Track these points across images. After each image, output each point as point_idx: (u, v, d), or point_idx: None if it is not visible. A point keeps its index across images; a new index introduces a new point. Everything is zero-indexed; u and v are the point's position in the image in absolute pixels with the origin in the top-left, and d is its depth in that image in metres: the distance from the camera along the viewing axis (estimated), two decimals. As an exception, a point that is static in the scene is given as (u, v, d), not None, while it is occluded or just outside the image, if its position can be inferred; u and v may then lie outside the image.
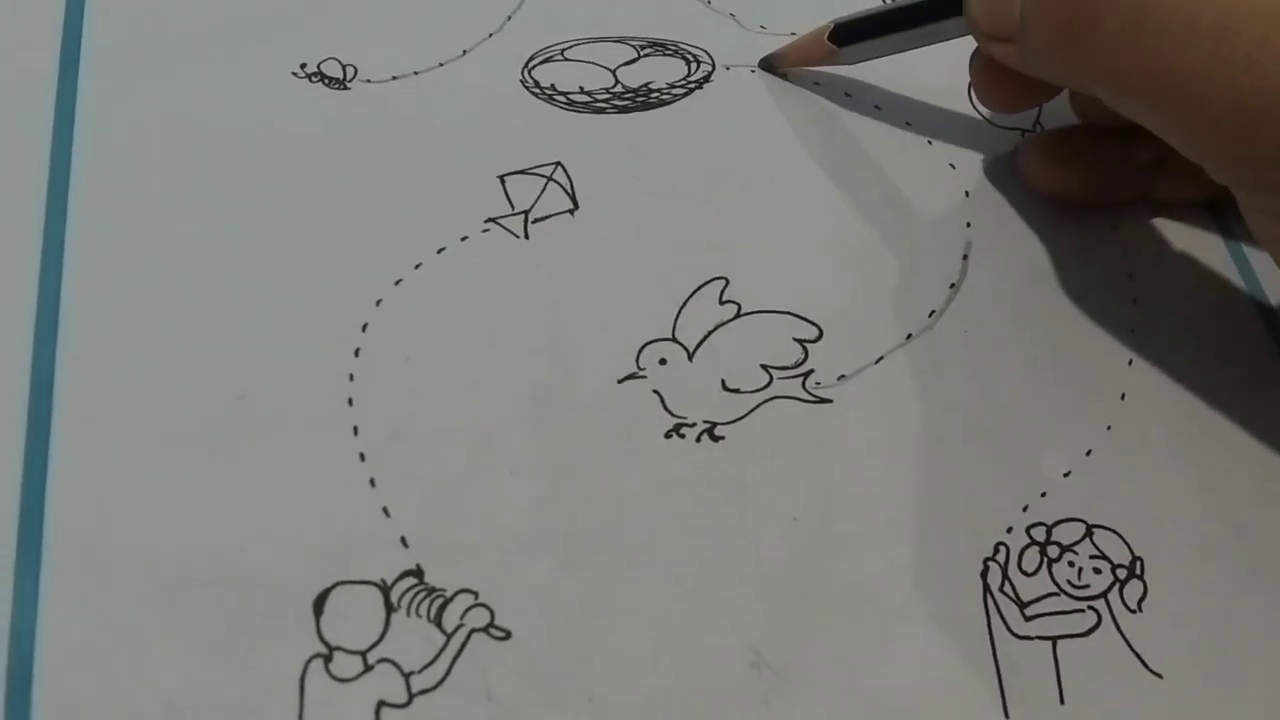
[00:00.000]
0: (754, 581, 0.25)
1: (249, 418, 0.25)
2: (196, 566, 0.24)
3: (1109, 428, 0.28)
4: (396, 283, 0.28)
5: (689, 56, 0.33)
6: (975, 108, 0.33)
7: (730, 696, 0.24)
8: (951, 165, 0.31)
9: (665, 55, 0.32)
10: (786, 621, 0.25)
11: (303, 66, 0.31)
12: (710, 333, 0.28)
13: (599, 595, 0.24)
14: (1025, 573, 0.26)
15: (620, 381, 0.27)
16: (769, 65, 0.32)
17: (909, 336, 0.29)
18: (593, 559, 0.25)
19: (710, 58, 0.33)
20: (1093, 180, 0.31)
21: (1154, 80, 0.23)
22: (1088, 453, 0.28)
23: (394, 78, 0.31)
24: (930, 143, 0.32)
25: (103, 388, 0.25)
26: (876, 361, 0.28)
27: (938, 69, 0.33)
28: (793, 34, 0.33)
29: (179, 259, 0.27)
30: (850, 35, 0.31)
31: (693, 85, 0.32)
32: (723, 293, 0.29)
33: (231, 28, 0.31)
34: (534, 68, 0.32)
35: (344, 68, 0.31)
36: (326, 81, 0.31)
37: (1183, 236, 0.31)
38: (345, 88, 0.31)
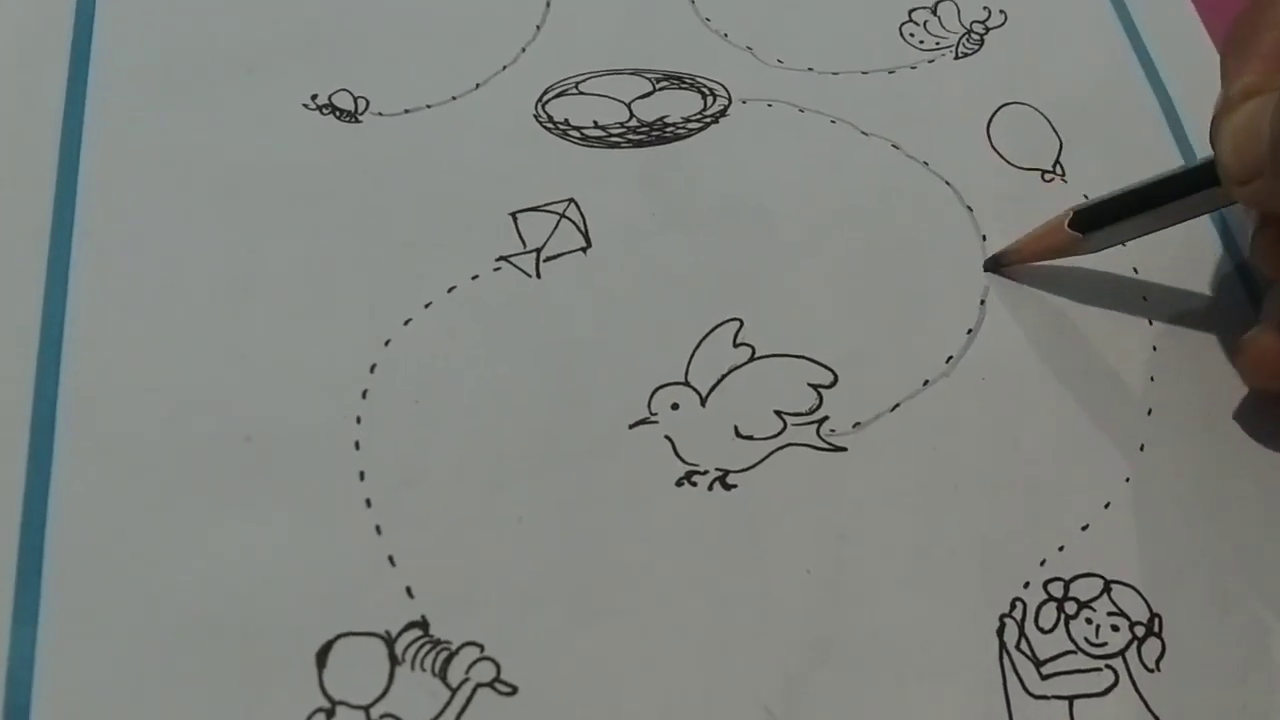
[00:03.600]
0: (766, 636, 0.25)
1: (255, 461, 0.25)
2: (197, 614, 0.23)
3: (1127, 480, 0.27)
4: (406, 322, 0.27)
5: (705, 90, 0.32)
6: (994, 148, 0.32)
7: (742, 756, 0.23)
8: (969, 207, 0.31)
9: (681, 88, 0.32)
10: (800, 678, 0.24)
11: (314, 98, 0.30)
12: (724, 376, 0.28)
13: (608, 650, 0.24)
14: (1042, 630, 0.25)
15: (632, 427, 0.27)
16: (996, 265, 0.30)
17: (926, 383, 0.28)
18: (602, 611, 0.24)
19: (727, 92, 0.32)
20: None
21: None
22: (1106, 505, 0.27)
23: (406, 111, 0.30)
24: (947, 183, 0.31)
25: (105, 428, 0.25)
26: (893, 409, 0.28)
27: (956, 103, 0.33)
28: (810, 69, 0.33)
29: (185, 296, 0.27)
30: (1092, 221, 0.28)
31: (709, 119, 0.32)
32: (737, 335, 0.28)
33: (241, 58, 0.31)
34: (548, 102, 0.31)
35: (355, 100, 0.30)
36: (338, 114, 0.30)
37: (1203, 281, 0.31)
38: (357, 120, 0.30)
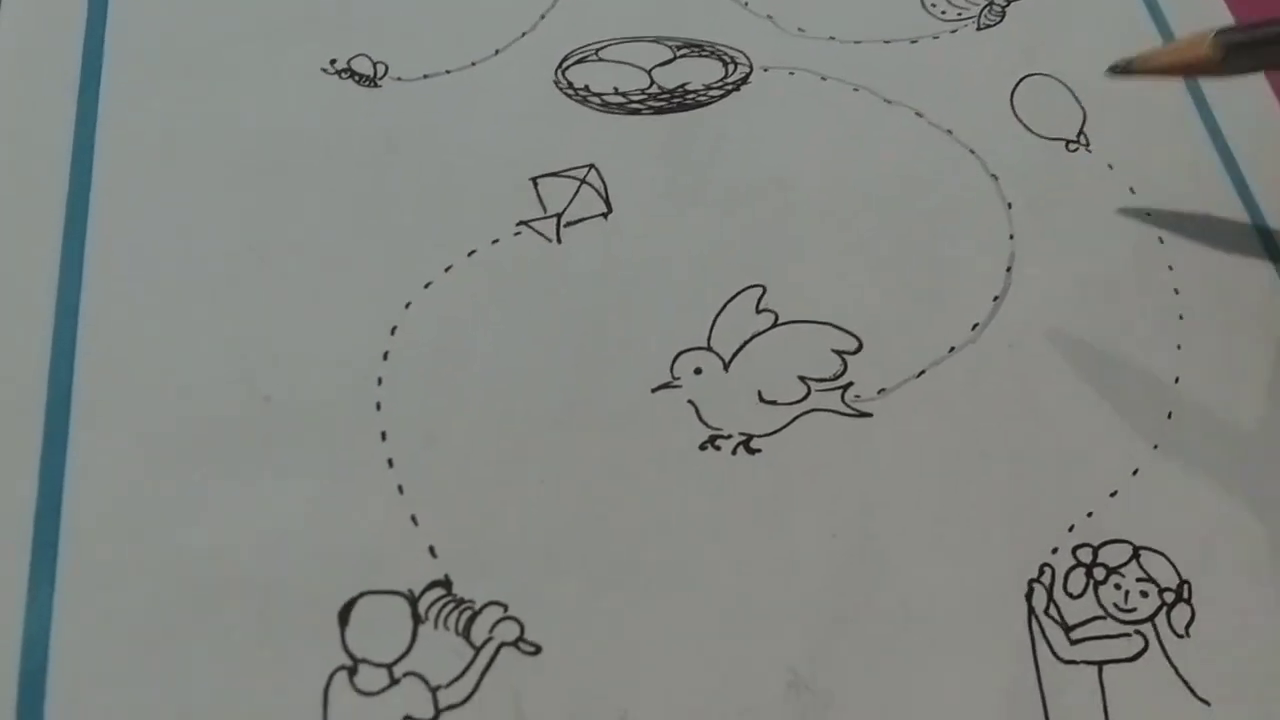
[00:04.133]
0: (791, 600, 0.24)
1: (275, 421, 0.25)
2: (217, 574, 0.23)
3: (1155, 447, 0.27)
4: (426, 285, 0.27)
5: (726, 58, 0.32)
6: (1018, 117, 0.32)
7: (767, 717, 0.23)
8: (994, 175, 0.31)
9: (702, 56, 0.32)
10: (825, 641, 0.24)
11: (332, 63, 0.30)
12: (746, 342, 0.27)
13: (632, 611, 0.24)
14: (1071, 595, 0.25)
15: (654, 391, 0.26)
16: (1125, 70, 0.29)
17: (951, 349, 0.28)
18: (625, 573, 0.24)
19: (748, 60, 0.32)
20: None
21: None
22: (1134, 472, 0.27)
23: (425, 76, 0.30)
24: (972, 151, 0.31)
25: (123, 391, 0.25)
26: (918, 375, 0.27)
27: (979, 73, 0.32)
28: (831, 38, 0.32)
29: (204, 260, 0.27)
30: (1236, 44, 0.28)
31: (730, 87, 0.31)
32: (760, 301, 0.28)
33: (260, 25, 0.30)
34: (568, 68, 0.31)
35: (374, 65, 0.30)
36: (356, 79, 0.30)
37: (1228, 251, 0.30)
38: (376, 85, 0.30)
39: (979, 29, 0.34)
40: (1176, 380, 0.28)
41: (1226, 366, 0.29)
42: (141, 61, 0.29)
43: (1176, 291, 0.30)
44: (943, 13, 0.34)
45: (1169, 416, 0.28)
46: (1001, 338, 0.28)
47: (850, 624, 0.24)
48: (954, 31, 0.33)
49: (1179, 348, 0.29)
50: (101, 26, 0.30)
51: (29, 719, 0.21)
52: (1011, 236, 0.30)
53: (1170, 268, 0.30)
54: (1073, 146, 0.32)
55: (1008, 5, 0.34)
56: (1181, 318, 0.29)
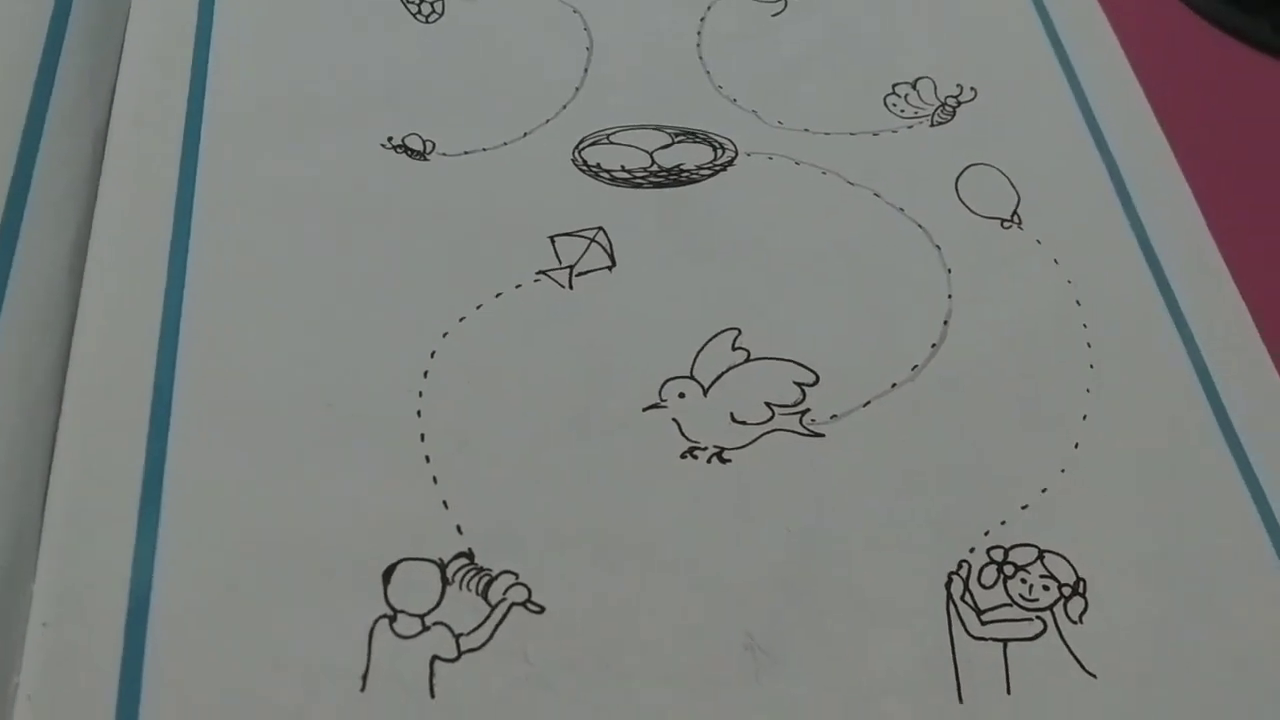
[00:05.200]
0: (752, 579, 0.30)
1: (335, 422, 0.30)
2: (287, 538, 0.29)
3: (1063, 470, 0.33)
4: (460, 319, 0.33)
5: (716, 144, 0.38)
6: (961, 199, 0.38)
7: (727, 671, 0.28)
8: (938, 246, 0.37)
9: (695, 142, 0.38)
10: (778, 613, 0.29)
11: (389, 139, 0.36)
12: (723, 373, 0.33)
13: (622, 581, 0.29)
14: (984, 586, 0.30)
15: (645, 410, 0.32)
16: None
17: (894, 385, 0.33)
18: (616, 551, 0.29)
19: (734, 146, 0.38)
20: None
21: None
22: (1044, 490, 0.32)
23: (466, 152, 0.36)
24: (920, 225, 0.37)
25: (217, 396, 0.30)
26: (865, 405, 0.33)
27: (929, 162, 0.38)
28: (806, 129, 0.39)
29: (282, 294, 0.33)
30: None
31: (718, 168, 0.37)
32: (735, 340, 0.34)
33: (330, 105, 0.37)
34: (583, 149, 0.37)
35: (424, 142, 0.36)
36: (409, 153, 0.36)
37: (1135, 312, 0.36)
38: (425, 159, 0.36)
39: (932, 125, 0.40)
40: (1084, 417, 0.34)
41: (1128, 407, 0.34)
42: (234, 135, 0.36)
43: (1089, 345, 0.35)
44: (901, 111, 0.40)
45: (1075, 446, 0.33)
46: (936, 378, 0.34)
47: (799, 600, 0.29)
48: (910, 127, 0.39)
49: (1088, 391, 0.34)
50: (201, 101, 0.36)
51: (134, 649, 0.27)
52: (950, 296, 0.36)
53: (1084, 325, 0.36)
54: (1007, 224, 0.38)
55: (958, 106, 0.40)
56: (1092, 366, 0.35)
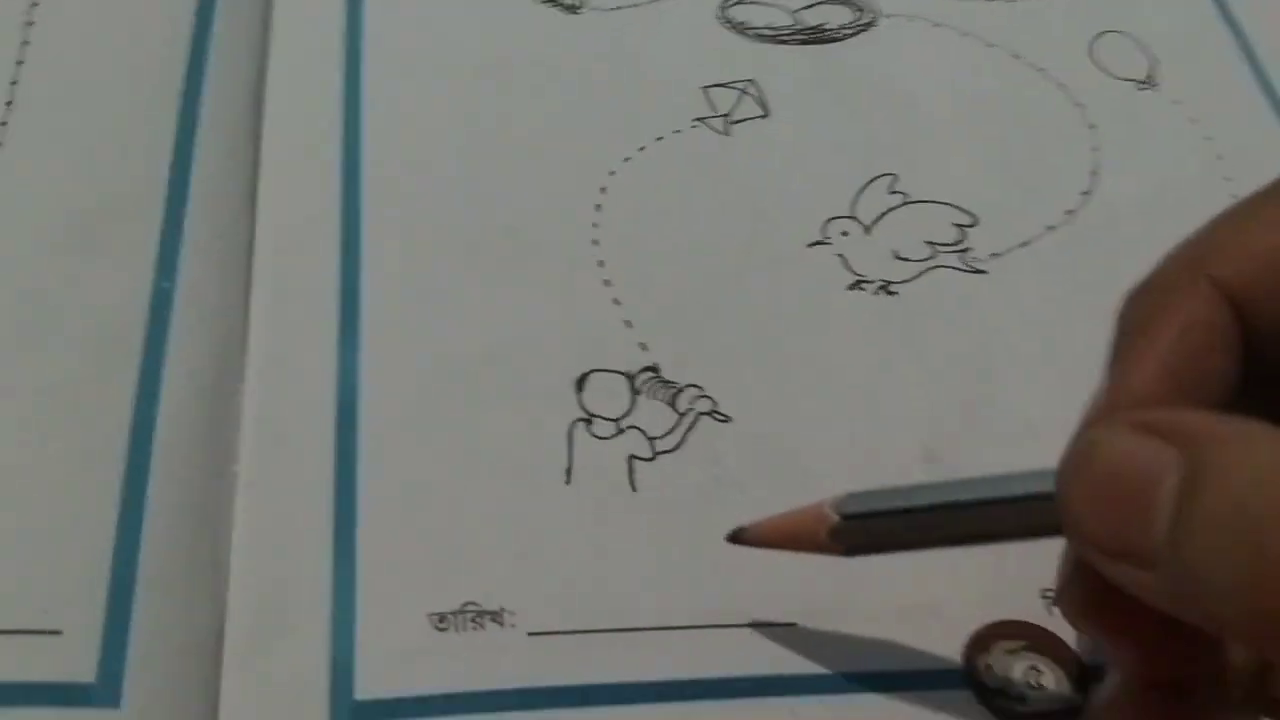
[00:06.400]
0: (925, 401, 0.30)
1: (516, 244, 0.31)
2: (482, 350, 0.29)
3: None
4: (625, 160, 0.34)
5: (855, 5, 0.39)
6: (1097, 63, 0.38)
7: (911, 477, 0.29)
8: (1079, 104, 0.37)
9: (837, 3, 0.39)
10: (954, 434, 0.30)
11: (543, -7, 0.37)
12: (883, 214, 0.34)
13: (801, 400, 0.30)
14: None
15: (809, 246, 0.33)
16: (735, 539, 0.25)
17: (1049, 228, 0.34)
18: (797, 374, 0.30)
19: (875, 8, 0.39)
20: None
21: None
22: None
23: (617, 8, 0.37)
24: (1062, 85, 0.38)
25: (407, 215, 0.31)
26: (1023, 245, 0.34)
27: (1069, 29, 0.39)
28: (943, -6, 0.39)
29: (455, 133, 0.33)
30: (860, 533, 0.23)
31: (859, 28, 0.38)
32: (892, 185, 0.34)
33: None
34: (729, 6, 0.38)
35: (577, -4, 0.37)
36: (562, 7, 0.37)
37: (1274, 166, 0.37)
38: (577, 12, 0.37)
39: (1064, -7, 0.40)
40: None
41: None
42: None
43: (1233, 197, 0.36)
44: (1034, -20, 0.41)
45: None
46: (1088, 224, 0.34)
47: (971, 420, 0.30)
48: (1045, -7, 0.40)
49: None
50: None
51: (346, 439, 0.27)
52: (1095, 149, 0.36)
53: (1227, 179, 0.36)
54: (1143, 86, 0.38)
55: (1088, -24, 0.41)
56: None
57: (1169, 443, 0.17)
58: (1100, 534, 0.19)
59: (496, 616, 0.26)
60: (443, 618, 0.25)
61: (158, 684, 0.23)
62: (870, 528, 0.23)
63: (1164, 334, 0.21)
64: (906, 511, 0.22)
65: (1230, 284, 0.21)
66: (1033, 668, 0.26)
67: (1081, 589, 0.21)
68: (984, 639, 0.26)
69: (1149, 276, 0.22)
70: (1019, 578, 0.27)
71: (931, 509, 0.22)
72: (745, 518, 0.25)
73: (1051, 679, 0.26)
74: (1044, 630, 0.27)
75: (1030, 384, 0.31)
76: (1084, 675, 0.26)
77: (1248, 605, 0.16)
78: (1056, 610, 0.26)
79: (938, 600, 0.27)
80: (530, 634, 0.26)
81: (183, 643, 0.24)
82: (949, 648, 0.26)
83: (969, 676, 0.26)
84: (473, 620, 0.25)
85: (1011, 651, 0.26)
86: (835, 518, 0.23)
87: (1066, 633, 0.26)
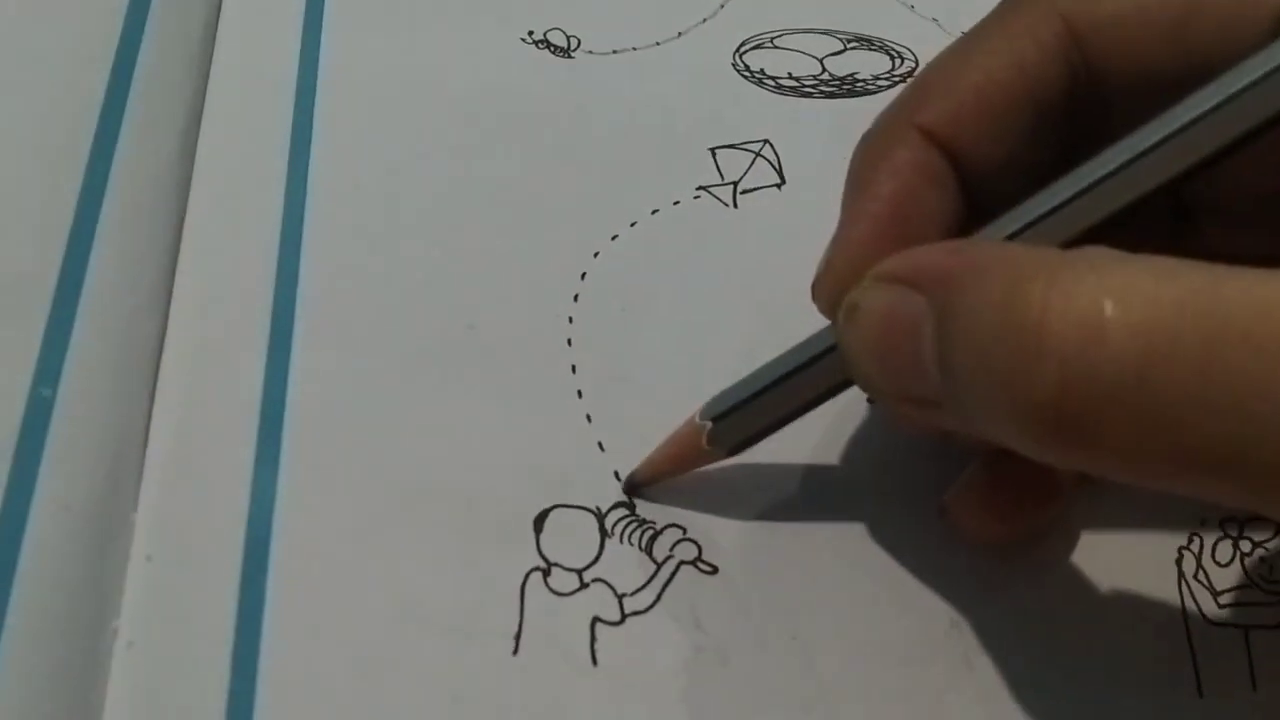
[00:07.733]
0: (940, 570, 0.25)
1: (478, 347, 0.27)
2: (425, 479, 0.25)
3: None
4: (613, 238, 0.29)
5: (893, 53, 0.34)
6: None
7: (935, 652, 0.24)
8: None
9: (870, 50, 0.34)
10: (979, 594, 0.25)
11: (530, 34, 0.32)
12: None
13: (802, 546, 0.25)
14: (1219, 564, 0.26)
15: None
16: (633, 488, 0.25)
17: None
18: (796, 511, 0.26)
19: (914, 56, 0.34)
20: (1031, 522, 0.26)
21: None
22: None
23: (614, 51, 0.32)
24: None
25: (342, 313, 0.27)
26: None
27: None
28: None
29: (413, 203, 0.29)
30: (728, 432, 0.24)
31: (897, 79, 0.33)
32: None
33: (466, -4, 0.33)
34: (745, 52, 0.33)
35: (569, 38, 0.32)
36: (552, 49, 0.32)
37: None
38: (569, 56, 0.32)
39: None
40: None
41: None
42: (359, 24, 0.32)
43: None
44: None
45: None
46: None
47: (999, 591, 0.25)
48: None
49: None
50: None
51: (254, 589, 0.23)
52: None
53: None
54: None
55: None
56: None
57: (916, 289, 0.19)
58: (888, 387, 0.20)
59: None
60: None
61: None
62: (740, 421, 0.24)
63: (880, 183, 0.22)
64: (763, 391, 0.23)
65: (936, 127, 0.22)
66: None
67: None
68: None
69: (868, 129, 0.23)
70: None
71: (780, 380, 0.23)
72: (730, 698, 0.22)
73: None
74: None
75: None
76: None
77: (1014, 408, 0.17)
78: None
79: None
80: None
81: None
82: None
83: None
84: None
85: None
86: (708, 424, 0.24)
87: None
